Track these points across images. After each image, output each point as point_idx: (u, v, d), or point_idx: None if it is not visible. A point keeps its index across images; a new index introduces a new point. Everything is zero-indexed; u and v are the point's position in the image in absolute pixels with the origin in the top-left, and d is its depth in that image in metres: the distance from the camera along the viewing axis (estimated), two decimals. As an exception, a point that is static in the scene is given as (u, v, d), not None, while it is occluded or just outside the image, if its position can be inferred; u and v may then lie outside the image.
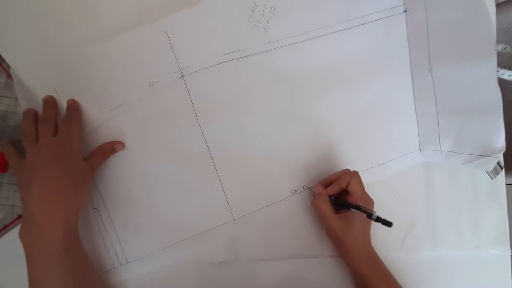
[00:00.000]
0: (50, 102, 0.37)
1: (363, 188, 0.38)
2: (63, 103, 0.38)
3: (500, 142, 0.38)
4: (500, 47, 0.49)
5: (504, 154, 0.49)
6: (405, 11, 0.42)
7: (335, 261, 0.42)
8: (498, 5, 0.57)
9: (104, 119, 0.38)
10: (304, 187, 0.42)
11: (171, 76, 0.39)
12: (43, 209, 0.32)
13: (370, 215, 0.35)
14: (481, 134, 0.40)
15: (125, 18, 0.39)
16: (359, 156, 0.43)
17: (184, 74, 0.39)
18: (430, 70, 0.41)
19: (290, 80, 0.41)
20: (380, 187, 0.43)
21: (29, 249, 0.32)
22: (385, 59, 0.43)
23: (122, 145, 0.39)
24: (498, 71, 0.48)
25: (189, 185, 0.40)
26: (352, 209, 0.37)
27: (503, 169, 0.49)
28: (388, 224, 0.34)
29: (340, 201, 0.39)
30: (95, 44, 0.38)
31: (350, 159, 0.43)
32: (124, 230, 0.39)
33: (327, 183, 0.40)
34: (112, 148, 0.38)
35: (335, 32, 0.41)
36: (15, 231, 0.38)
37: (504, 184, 0.48)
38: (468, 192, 0.46)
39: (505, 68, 0.47)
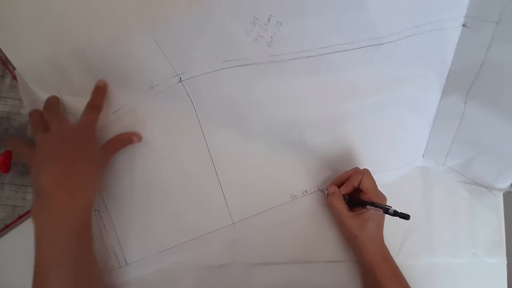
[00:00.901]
0: (54, 99, 0.37)
1: (376, 185, 0.39)
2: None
3: (505, 184, 0.39)
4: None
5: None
6: (463, 25, 0.33)
7: (334, 266, 0.42)
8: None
9: (107, 121, 0.39)
10: (317, 187, 0.42)
11: (169, 80, 0.38)
12: (60, 189, 0.31)
13: (386, 210, 0.36)
14: (490, 171, 0.40)
15: (129, 23, 0.40)
16: (361, 163, 0.43)
17: (182, 79, 0.38)
18: (465, 102, 0.36)
19: (297, 90, 0.39)
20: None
21: (42, 229, 0.31)
22: (415, 77, 0.38)
23: (139, 137, 0.39)
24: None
25: (189, 188, 0.40)
26: (368, 206, 0.37)
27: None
28: (405, 217, 0.34)
29: (354, 199, 0.39)
30: (91, 47, 0.37)
31: (352, 165, 0.43)
32: (125, 232, 0.39)
33: (338, 183, 0.40)
34: (129, 139, 0.39)
35: (360, 48, 0.35)
36: (16, 231, 0.38)
37: (502, 192, 0.49)
38: (466, 200, 0.47)
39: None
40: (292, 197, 0.42)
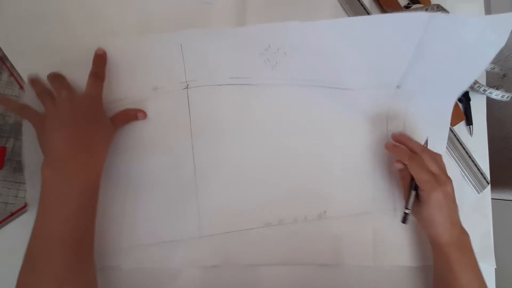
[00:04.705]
0: (56, 72, 0.37)
1: (419, 170, 0.39)
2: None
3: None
4: (489, 67, 0.51)
5: (490, 170, 0.51)
6: (397, 87, 0.44)
7: (328, 269, 0.43)
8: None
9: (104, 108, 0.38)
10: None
11: (176, 85, 0.40)
12: (75, 148, 0.32)
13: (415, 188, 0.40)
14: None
15: (128, 23, 0.41)
16: (341, 200, 0.44)
17: (189, 86, 0.40)
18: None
19: (284, 116, 0.43)
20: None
21: (52, 186, 0.31)
22: (366, 123, 0.45)
23: (144, 114, 0.40)
24: (486, 90, 0.49)
25: (165, 193, 0.40)
26: (411, 191, 0.41)
27: (489, 184, 0.50)
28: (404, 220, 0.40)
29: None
30: (111, 40, 0.38)
31: (331, 201, 0.44)
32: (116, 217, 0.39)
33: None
34: (134, 115, 0.39)
35: (329, 87, 0.43)
36: (8, 228, 0.38)
37: (490, 199, 0.50)
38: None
39: (493, 87, 0.49)
40: (265, 224, 0.42)
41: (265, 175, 0.42)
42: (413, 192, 0.41)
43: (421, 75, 0.42)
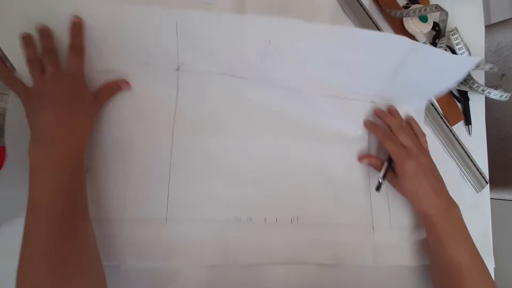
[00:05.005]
0: (46, 32, 0.37)
1: (391, 145, 0.42)
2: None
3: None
4: (488, 66, 0.52)
5: (489, 170, 0.51)
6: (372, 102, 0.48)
7: (328, 269, 0.43)
8: (487, 26, 0.60)
9: (87, 78, 0.38)
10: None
11: (168, 64, 0.40)
12: (59, 129, 0.33)
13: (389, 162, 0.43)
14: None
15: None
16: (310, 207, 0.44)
17: (180, 69, 0.40)
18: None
19: (271, 116, 0.44)
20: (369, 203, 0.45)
21: (39, 165, 0.32)
22: (344, 133, 0.47)
23: (128, 84, 0.40)
24: (484, 90, 0.50)
25: (138, 168, 0.39)
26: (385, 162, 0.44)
27: (488, 184, 0.50)
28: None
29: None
30: (104, 9, 0.36)
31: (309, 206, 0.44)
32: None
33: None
34: (118, 86, 0.39)
35: (313, 95, 0.45)
36: (8, 228, 0.38)
37: (489, 198, 0.50)
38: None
39: (492, 87, 0.49)
40: (234, 218, 0.41)
41: (241, 170, 0.42)
42: (386, 164, 0.43)
43: (395, 91, 0.46)
